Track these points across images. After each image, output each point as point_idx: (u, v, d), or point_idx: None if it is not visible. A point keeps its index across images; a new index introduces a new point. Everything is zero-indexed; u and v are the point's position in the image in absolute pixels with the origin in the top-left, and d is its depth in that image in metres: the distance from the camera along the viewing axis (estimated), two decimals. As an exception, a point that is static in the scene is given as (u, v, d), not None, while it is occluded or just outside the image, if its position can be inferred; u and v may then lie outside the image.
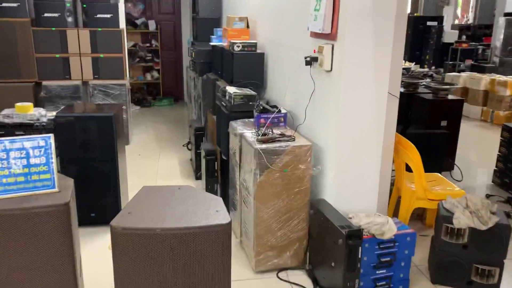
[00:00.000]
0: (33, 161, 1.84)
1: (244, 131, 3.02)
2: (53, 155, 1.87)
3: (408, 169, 3.26)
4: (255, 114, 3.16)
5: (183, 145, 5.28)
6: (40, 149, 1.86)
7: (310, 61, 2.82)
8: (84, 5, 5.14)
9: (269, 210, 2.76)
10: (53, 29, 5.03)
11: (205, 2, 5.38)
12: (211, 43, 4.59)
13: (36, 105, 5.12)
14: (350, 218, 2.62)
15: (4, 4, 4.85)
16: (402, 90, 4.31)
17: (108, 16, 5.19)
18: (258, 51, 3.83)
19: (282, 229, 2.80)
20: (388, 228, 2.57)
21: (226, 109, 3.42)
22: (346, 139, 2.68)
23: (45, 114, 3.24)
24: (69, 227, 1.82)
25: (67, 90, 5.19)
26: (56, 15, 5.01)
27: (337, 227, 2.43)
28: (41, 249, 1.76)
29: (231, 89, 3.46)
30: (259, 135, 2.87)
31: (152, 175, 4.58)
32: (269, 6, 3.84)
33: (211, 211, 1.95)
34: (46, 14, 4.99)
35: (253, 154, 2.72)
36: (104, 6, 5.16)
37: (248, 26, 4.29)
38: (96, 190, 3.36)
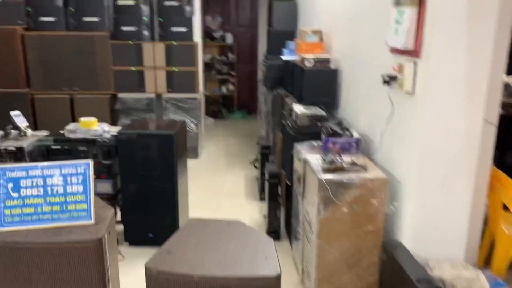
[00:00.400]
0: (70, 189, 1.70)
1: (309, 156, 2.71)
2: (91, 183, 1.72)
3: (506, 209, 2.72)
4: (323, 137, 2.84)
5: (250, 162, 5.08)
6: (78, 177, 1.71)
7: (388, 80, 2.44)
8: (160, 19, 5.17)
9: (334, 250, 2.41)
10: (130, 42, 5.11)
11: (280, 14, 5.17)
12: (283, 57, 4.34)
13: (112, 117, 5.26)
14: (431, 268, 2.19)
15: (85, 19, 5.02)
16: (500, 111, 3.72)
17: (183, 29, 5.18)
18: (331, 66, 3.51)
19: (348, 274, 2.44)
20: (479, 286, 2.10)
21: (292, 130, 3.13)
22: (430, 172, 2.26)
23: (108, 130, 3.19)
24: (101, 265, 1.64)
25: (141, 102, 5.24)
26: (133, 28, 5.09)
27: (413, 280, 2.02)
28: (70, 286, 1.61)
29: (298, 108, 3.17)
30: (325, 162, 2.54)
31: (216, 192, 4.41)
32: (345, 17, 3.51)
33: (259, 257, 1.67)
34: (123, 28, 5.09)
35: (317, 184, 2.41)
36: (179, 19, 5.15)
37: (322, 40, 3.98)
38: (154, 209, 3.24)
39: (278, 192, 3.42)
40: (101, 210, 1.83)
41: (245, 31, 8.14)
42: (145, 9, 5.10)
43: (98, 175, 3.20)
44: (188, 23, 5.19)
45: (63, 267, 1.59)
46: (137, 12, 5.08)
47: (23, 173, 1.66)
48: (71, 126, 3.21)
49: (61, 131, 3.21)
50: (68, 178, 1.70)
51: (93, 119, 3.22)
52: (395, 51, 2.45)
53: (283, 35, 4.86)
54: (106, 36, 5.09)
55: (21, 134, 3.35)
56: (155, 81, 5.26)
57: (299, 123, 3.07)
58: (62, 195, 1.69)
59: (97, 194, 3.19)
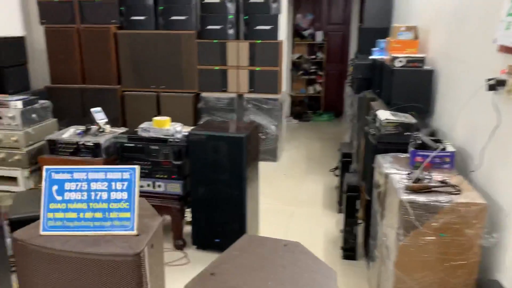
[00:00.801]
0: (114, 195, 1.58)
1: (391, 170, 2.35)
2: (137, 191, 1.58)
3: None
4: (410, 149, 2.45)
5: (330, 170, 4.75)
6: (123, 183, 1.59)
7: (495, 85, 2.00)
8: (246, 17, 5.05)
9: (415, 284, 2.05)
10: (215, 41, 5.07)
11: (373, 9, 4.76)
12: (372, 57, 3.95)
13: (195, 116, 5.27)
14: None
15: (173, 17, 5.07)
16: None
17: (268, 27, 5.00)
18: (426, 67, 3.07)
19: (430, 314, 2.05)
20: None
21: (374, 138, 2.78)
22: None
23: (180, 130, 3.11)
24: (140, 280, 1.50)
25: (222, 102, 5.17)
26: (218, 27, 5.04)
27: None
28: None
29: (383, 114, 2.81)
30: (410, 179, 2.18)
31: (291, 200, 4.17)
32: (446, 11, 3.05)
33: (314, 292, 1.40)
34: (209, 27, 5.06)
35: (397, 205, 2.06)
36: (264, 17, 4.99)
37: (417, 37, 3.53)
38: (222, 214, 3.10)
39: (357, 207, 3.08)
40: (147, 219, 1.69)
41: (337, 29, 7.76)
42: (230, 7, 5.02)
43: (169, 175, 3.14)
44: (274, 21, 5.00)
45: (99, 279, 1.48)
46: (223, 10, 5.01)
47: (68, 176, 1.59)
48: (144, 124, 3.19)
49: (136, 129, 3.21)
50: (113, 184, 1.59)
51: (166, 119, 3.17)
52: (505, 50, 2.00)
53: (375, 32, 4.45)
54: (193, 35, 5.10)
55: (100, 130, 3.41)
56: (238, 80, 5.16)
57: (383, 131, 2.71)
58: (105, 201, 1.58)
59: (167, 194, 3.15)
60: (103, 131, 3.41)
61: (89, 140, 3.24)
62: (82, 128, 3.43)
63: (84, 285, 1.48)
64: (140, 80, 5.29)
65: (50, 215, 1.56)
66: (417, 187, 2.09)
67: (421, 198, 2.02)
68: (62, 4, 5.16)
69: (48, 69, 5.39)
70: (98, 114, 3.42)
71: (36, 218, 1.57)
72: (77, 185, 1.58)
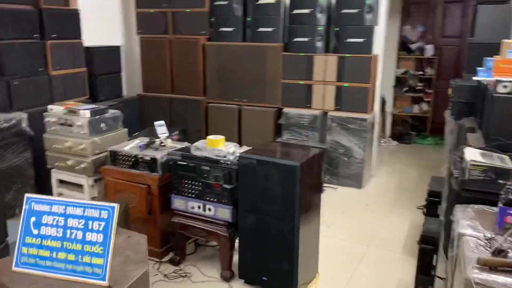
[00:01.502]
0: (89, 236, 1.37)
1: (467, 230, 1.81)
2: (113, 234, 1.35)
3: None
4: (500, 204, 1.87)
5: (419, 207, 4.08)
6: (100, 223, 1.37)
7: None
8: (337, 28, 4.65)
9: None
10: (301, 54, 4.75)
11: (486, 20, 4.01)
12: (476, 78, 3.29)
13: (275, 131, 5.01)
14: None
15: (261, 29, 4.88)
16: None
17: (360, 40, 4.54)
18: (540, 96, 2.39)
19: None
20: None
21: (457, 183, 2.21)
22: None
23: (233, 152, 2.86)
24: None
25: (305, 119, 4.82)
26: (306, 39, 4.71)
27: None
28: None
29: (471, 152, 2.23)
30: (490, 247, 1.63)
31: (367, 237, 3.65)
32: None
33: None
34: (296, 39, 4.76)
35: (463, 283, 1.53)
36: (357, 29, 4.53)
37: (535, 56, 2.81)
38: (270, 250, 2.77)
39: (432, 263, 2.51)
40: (132, 266, 1.45)
41: (452, 43, 6.90)
42: (320, 17, 4.66)
43: (219, 199, 2.91)
44: (368, 33, 4.52)
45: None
46: (312, 21, 4.67)
47: (47, 208, 1.42)
48: (199, 143, 3.00)
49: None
50: (89, 223, 1.38)
51: (220, 138, 2.94)
52: None
53: (485, 48, 3.72)
54: (279, 48, 4.85)
55: (162, 144, 3.33)
56: (323, 97, 4.77)
57: (467, 175, 2.14)
58: (80, 241, 1.38)
59: (216, 219, 2.91)
60: (164, 146, 3.32)
61: (147, 155, 3.16)
62: (146, 140, 3.38)
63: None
64: (224, 92, 5.20)
65: (24, 250, 1.41)
66: (495, 263, 1.53)
67: (498, 279, 1.47)
68: (157, 14, 5.29)
69: (141, 77, 5.59)
70: (160, 128, 3.33)
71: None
72: (54, 219, 1.41)
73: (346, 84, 4.63)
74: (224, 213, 2.91)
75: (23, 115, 3.84)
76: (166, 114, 5.45)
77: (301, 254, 2.73)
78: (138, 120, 5.42)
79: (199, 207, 2.99)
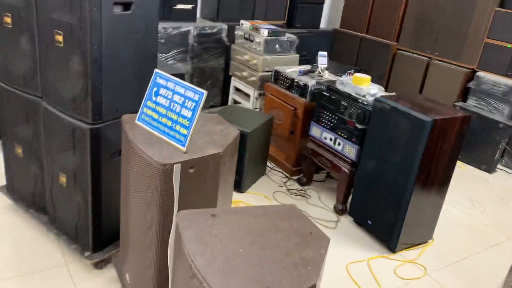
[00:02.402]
0: (183, 111, 1.73)
1: None
2: (198, 114, 1.68)
3: None
4: None
5: None
6: (192, 103, 1.71)
7: None
8: None
9: None
10: (519, 13, 4.06)
11: None
12: None
13: (461, 95, 4.56)
14: None
15: (477, -23, 4.32)
16: None
17: None
18: None
19: None
20: None
21: None
22: None
23: (373, 94, 2.84)
24: (166, 191, 1.65)
25: (500, 89, 4.23)
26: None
27: None
28: (147, 201, 1.72)
29: None
30: None
31: (511, 231, 3.21)
32: None
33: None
34: (517, -6, 4.07)
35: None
36: None
37: None
38: (381, 197, 2.77)
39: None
40: (209, 145, 1.76)
41: None
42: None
43: (349, 136, 2.99)
44: None
45: (140, 176, 1.71)
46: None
47: (164, 82, 1.81)
48: (346, 78, 3.06)
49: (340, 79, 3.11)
50: (186, 101, 1.72)
51: (366, 77, 2.94)
52: None
53: None
54: (493, 1, 4.24)
55: (320, 74, 3.50)
56: (530, 67, 4.05)
57: None
58: (177, 114, 1.74)
59: (343, 155, 3.03)
60: (321, 76, 3.49)
61: (302, 80, 3.39)
62: (307, 68, 3.60)
63: (134, 186, 1.75)
64: (417, 41, 4.89)
65: (145, 109, 1.86)
66: None
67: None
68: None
69: (342, 12, 5.66)
70: (322, 59, 3.48)
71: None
72: (166, 92, 1.80)
73: None
74: (351, 151, 2.99)
75: (224, 26, 4.48)
76: (353, 53, 5.50)
77: (410, 212, 2.66)
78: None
79: (330, 139, 3.13)
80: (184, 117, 1.72)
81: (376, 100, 2.71)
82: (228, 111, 3.38)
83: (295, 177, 3.54)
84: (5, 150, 2.55)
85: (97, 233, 2.24)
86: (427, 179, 2.63)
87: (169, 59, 4.19)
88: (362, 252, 2.76)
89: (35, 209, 2.53)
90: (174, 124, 1.75)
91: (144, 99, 1.87)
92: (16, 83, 2.27)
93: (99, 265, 2.31)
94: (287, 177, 3.57)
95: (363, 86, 2.91)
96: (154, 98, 1.84)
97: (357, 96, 2.89)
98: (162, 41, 4.07)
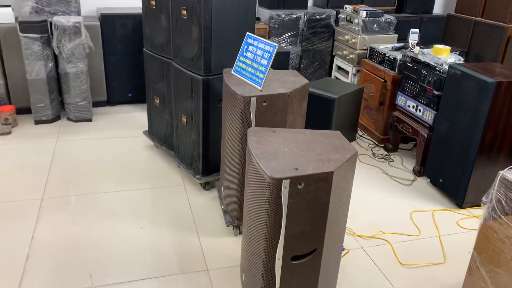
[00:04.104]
0: (261, 61, 2.34)
1: None
2: (271, 62, 2.28)
3: None
4: None
5: None
6: (267, 54, 2.31)
7: None
8: None
9: None
10: None
11: None
12: None
13: None
14: None
15: None
16: None
17: None
18: None
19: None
20: None
21: None
22: None
23: (451, 63, 3.08)
24: (246, 117, 2.29)
25: None
26: None
27: None
28: (234, 125, 2.39)
29: None
30: None
31: None
32: None
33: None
34: None
35: None
36: None
37: None
38: (449, 156, 3.02)
39: None
40: (280, 87, 2.34)
41: None
42: None
43: (428, 103, 3.27)
44: None
45: (232, 107, 2.37)
46: None
47: (253, 42, 2.42)
48: (427, 49, 3.33)
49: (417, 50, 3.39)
50: (265, 53, 2.31)
51: (445, 48, 3.19)
52: None
53: None
54: None
55: (410, 50, 3.80)
56: None
57: None
58: (257, 63, 2.35)
59: (422, 120, 3.33)
60: (412, 51, 3.77)
61: (392, 55, 3.73)
62: (400, 44, 3.91)
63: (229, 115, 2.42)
64: (535, 22, 4.73)
65: (238, 63, 2.50)
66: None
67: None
68: None
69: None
70: (413, 35, 3.76)
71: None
72: (253, 48, 2.41)
73: None
74: (429, 116, 3.27)
75: (333, 12, 4.97)
76: (466, 38, 5.48)
77: (477, 170, 2.87)
78: (437, 39, 5.69)
79: (413, 107, 3.43)
80: (262, 65, 2.33)
81: (450, 67, 2.97)
82: (323, 82, 3.90)
83: (382, 145, 3.90)
84: (148, 102, 3.47)
85: (205, 162, 2.99)
86: (495, 139, 2.81)
87: (281, 42, 4.85)
88: (429, 205, 3.05)
89: (166, 146, 3.40)
90: (255, 71, 2.38)
91: (238, 55, 2.54)
92: (156, 49, 3.15)
93: (206, 186, 3.06)
94: (375, 143, 3.94)
95: (442, 56, 3.17)
96: (244, 54, 2.49)
97: (435, 64, 3.17)
98: (276, 26, 4.75)
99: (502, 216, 1.61)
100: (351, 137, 3.95)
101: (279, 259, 1.84)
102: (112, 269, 2.27)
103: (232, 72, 2.56)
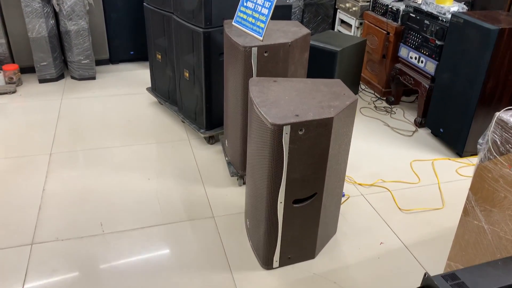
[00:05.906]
0: (263, 10, 2.34)
1: None
2: (271, 12, 2.27)
3: None
4: None
5: None
6: (268, 3, 2.30)
7: None
8: None
9: None
10: None
11: None
12: None
13: None
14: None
15: None
16: None
17: None
18: None
19: None
20: None
21: None
22: None
23: (454, 11, 3.05)
24: (248, 68, 2.31)
25: None
26: None
27: None
28: (235, 75, 2.41)
29: None
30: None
31: None
32: None
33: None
34: None
35: None
36: None
37: None
38: (453, 106, 3.04)
39: None
40: (284, 39, 2.35)
41: None
42: None
43: (430, 53, 3.26)
44: None
45: (235, 59, 2.39)
46: None
47: (252, -8, 2.42)
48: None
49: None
50: (265, 2, 2.30)
51: (449, -3, 3.14)
52: None
53: None
54: None
55: (414, 0, 3.74)
56: None
57: None
58: (257, 12, 2.34)
59: (424, 71, 3.33)
60: (416, 2, 3.72)
61: (395, 6, 3.68)
62: (402, -5, 3.84)
63: (231, 67, 2.43)
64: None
65: (239, 13, 2.49)
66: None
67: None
68: None
69: None
70: (417, -15, 3.69)
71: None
72: (253, -1, 2.41)
73: None
74: (431, 67, 3.26)
75: (335, -36, 4.84)
76: None
77: (478, 119, 2.90)
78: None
79: (415, 58, 3.42)
80: (262, 14, 2.33)
81: (452, 15, 2.94)
82: (325, 35, 3.87)
83: (385, 98, 3.91)
84: (150, 58, 3.48)
85: (208, 116, 3.04)
86: (495, 88, 2.82)
87: (283, -4, 4.76)
88: (429, 155, 3.10)
89: (169, 102, 3.44)
90: (256, 21, 2.37)
91: (238, 5, 2.52)
92: (157, 3, 3.12)
93: (210, 140, 3.12)
94: (377, 97, 3.96)
95: (445, 5, 3.12)
96: (245, 4, 2.48)
97: (438, 14, 3.13)
98: (277, -21, 4.65)
99: (497, 156, 1.66)
100: (354, 90, 3.96)
101: (281, 202, 1.92)
102: (122, 218, 2.37)
103: (233, 23, 2.55)
